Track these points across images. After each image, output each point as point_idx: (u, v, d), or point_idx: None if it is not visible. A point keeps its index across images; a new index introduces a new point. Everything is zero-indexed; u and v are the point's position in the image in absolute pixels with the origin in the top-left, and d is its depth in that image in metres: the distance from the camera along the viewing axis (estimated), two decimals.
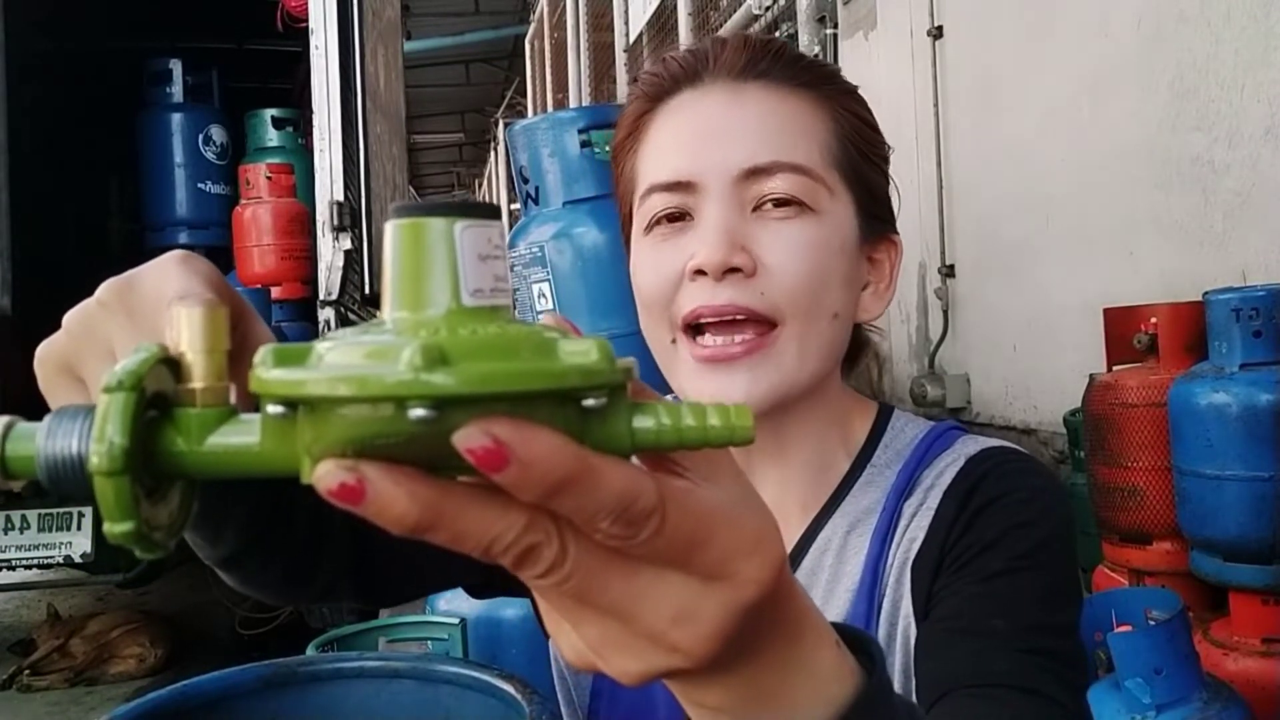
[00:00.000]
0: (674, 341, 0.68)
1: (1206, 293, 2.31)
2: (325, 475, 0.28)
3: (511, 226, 4.01)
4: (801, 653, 0.37)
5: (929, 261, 5.20)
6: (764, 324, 0.66)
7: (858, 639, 0.41)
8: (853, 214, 0.71)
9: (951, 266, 5.00)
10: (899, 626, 0.68)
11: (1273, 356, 2.15)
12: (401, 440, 0.28)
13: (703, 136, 0.68)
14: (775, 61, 0.70)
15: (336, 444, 0.28)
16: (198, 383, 0.32)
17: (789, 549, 0.73)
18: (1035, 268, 4.29)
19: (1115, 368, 2.70)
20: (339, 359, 0.29)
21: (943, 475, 0.71)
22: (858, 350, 0.80)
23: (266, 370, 0.29)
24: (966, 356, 5.03)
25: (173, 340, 0.33)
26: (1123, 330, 2.65)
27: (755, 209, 0.67)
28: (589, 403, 0.30)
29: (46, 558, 3.26)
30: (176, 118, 4.93)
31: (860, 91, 0.78)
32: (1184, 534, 2.36)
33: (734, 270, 0.65)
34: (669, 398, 0.82)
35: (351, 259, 3.71)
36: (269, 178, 4.31)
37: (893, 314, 5.79)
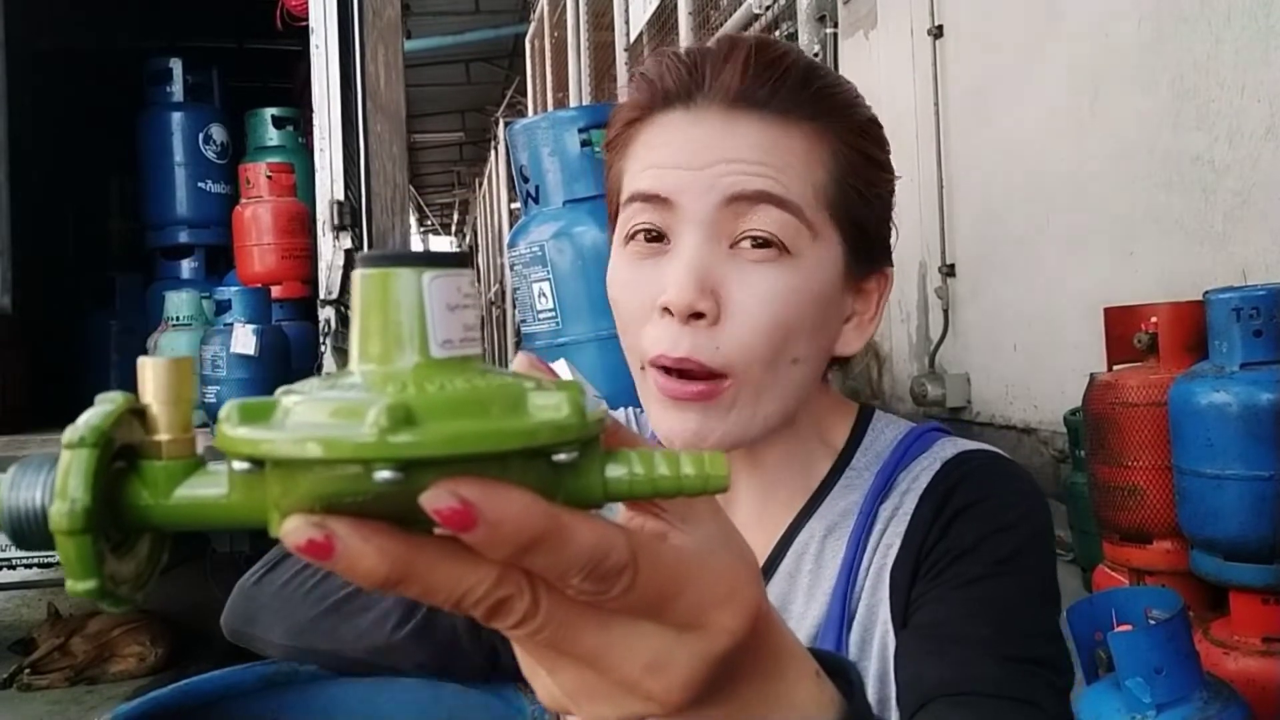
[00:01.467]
0: (642, 369, 0.68)
1: (1207, 292, 2.31)
2: (294, 531, 0.28)
3: (512, 226, 4.00)
4: (781, 687, 0.37)
5: (929, 261, 5.20)
6: (714, 377, 0.65)
7: (836, 664, 0.41)
8: (839, 255, 0.68)
9: (952, 266, 5.00)
10: (875, 633, 0.68)
11: (1273, 356, 2.15)
12: (370, 498, 0.28)
13: (690, 162, 0.66)
14: (776, 90, 0.67)
15: (304, 500, 0.28)
16: (163, 434, 0.31)
17: (766, 554, 0.73)
18: (1035, 267, 4.29)
19: (1115, 367, 2.70)
20: (305, 416, 0.28)
21: (919, 479, 0.70)
22: (839, 358, 0.79)
23: (231, 427, 0.29)
24: (966, 356, 5.02)
25: (140, 391, 0.32)
26: (1123, 330, 2.65)
27: (733, 244, 0.65)
28: (560, 457, 0.29)
29: (46, 558, 3.27)
30: (177, 117, 4.93)
31: (859, 91, 0.77)
32: (1184, 533, 2.36)
33: (698, 315, 0.64)
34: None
35: (352, 258, 3.71)
36: (269, 177, 4.31)
37: (893, 314, 5.79)
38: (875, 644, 0.67)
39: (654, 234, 0.67)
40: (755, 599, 0.34)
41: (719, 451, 0.32)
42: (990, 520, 0.66)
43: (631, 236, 0.68)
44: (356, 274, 0.31)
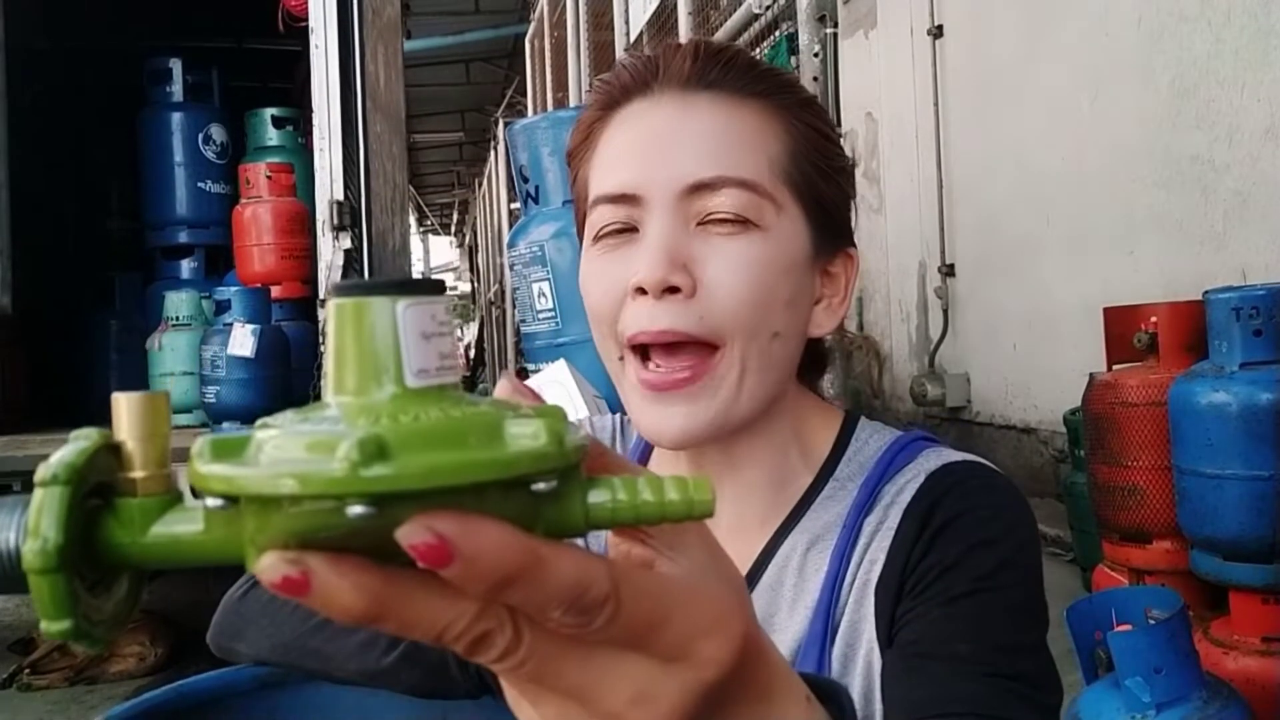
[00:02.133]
0: (621, 359, 0.67)
1: (1206, 292, 2.31)
2: (269, 568, 0.27)
3: (511, 226, 3.99)
4: (771, 713, 0.36)
5: (929, 261, 5.20)
6: (704, 348, 0.65)
7: (828, 689, 0.41)
8: (804, 229, 0.69)
9: (951, 266, 4.99)
10: (859, 650, 0.67)
11: (1273, 356, 2.14)
12: (345, 533, 0.27)
13: (648, 150, 0.67)
14: (726, 71, 0.69)
15: (279, 536, 0.28)
16: (138, 471, 0.31)
17: (748, 565, 0.72)
18: (1035, 267, 4.29)
19: (1115, 367, 2.70)
20: (277, 452, 0.28)
21: (903, 492, 0.69)
22: (821, 360, 0.78)
23: (204, 464, 0.28)
24: (966, 355, 5.02)
25: (115, 428, 0.32)
26: (1123, 329, 2.64)
27: (699, 224, 0.66)
28: (539, 487, 0.29)
29: None
30: (176, 117, 4.93)
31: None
32: (1184, 533, 2.36)
33: (673, 290, 0.64)
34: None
35: (351, 258, 3.71)
36: (269, 177, 4.31)
37: (893, 313, 5.79)
38: (859, 661, 0.67)
39: (621, 228, 0.67)
40: (743, 628, 0.33)
41: (704, 477, 0.32)
42: (972, 535, 0.65)
43: (600, 236, 0.68)
44: (330, 303, 0.31)
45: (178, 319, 4.24)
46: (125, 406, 0.32)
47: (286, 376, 3.91)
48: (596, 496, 0.31)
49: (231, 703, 0.64)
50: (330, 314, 0.31)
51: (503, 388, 0.31)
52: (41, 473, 0.29)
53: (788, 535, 0.72)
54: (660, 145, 0.67)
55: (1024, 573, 0.65)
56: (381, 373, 0.30)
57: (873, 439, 0.75)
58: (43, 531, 0.28)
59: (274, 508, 0.27)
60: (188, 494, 0.31)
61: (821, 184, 0.71)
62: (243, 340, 3.71)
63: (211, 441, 0.29)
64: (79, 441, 0.30)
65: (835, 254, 0.73)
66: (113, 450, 0.31)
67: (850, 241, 0.75)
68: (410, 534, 0.26)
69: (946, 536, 0.65)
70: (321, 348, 3.61)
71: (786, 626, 0.70)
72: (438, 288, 0.31)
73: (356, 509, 0.26)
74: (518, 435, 0.28)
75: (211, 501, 0.29)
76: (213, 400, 3.80)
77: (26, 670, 3.48)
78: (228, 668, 0.64)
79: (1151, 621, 1.75)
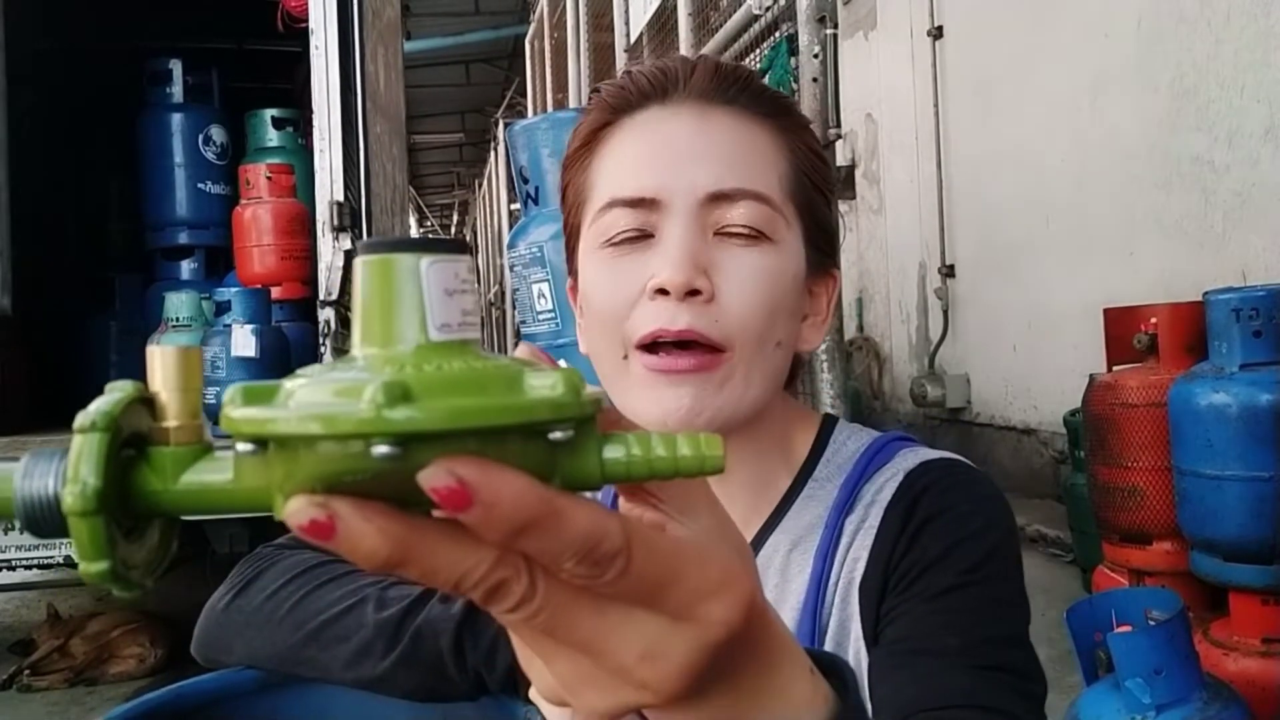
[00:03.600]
0: (625, 358, 0.68)
1: (1206, 293, 2.31)
2: (296, 512, 0.28)
3: (511, 227, 3.99)
4: (776, 681, 0.37)
5: (929, 261, 5.20)
6: (714, 350, 0.66)
7: (831, 663, 0.41)
8: (802, 246, 0.71)
9: (951, 266, 4.99)
10: (848, 649, 0.68)
11: (1273, 356, 2.14)
12: (370, 477, 0.28)
13: (670, 156, 0.68)
14: (743, 90, 0.71)
15: (307, 481, 0.28)
16: (171, 421, 0.32)
17: None
18: (1035, 268, 4.28)
19: (1115, 368, 2.70)
20: (307, 397, 0.29)
21: (883, 490, 0.71)
22: (797, 370, 0.80)
23: (235, 409, 0.29)
24: (966, 356, 5.02)
25: (149, 380, 0.33)
26: (1123, 330, 2.64)
27: (716, 233, 0.67)
28: (556, 435, 0.30)
29: (46, 558, 3.26)
30: (176, 118, 4.92)
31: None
32: (1184, 534, 2.36)
33: (694, 293, 0.65)
34: None
35: (351, 259, 3.71)
36: (269, 178, 4.30)
37: (893, 314, 5.79)
38: (849, 659, 0.67)
39: (636, 233, 0.68)
40: (750, 591, 0.34)
41: (715, 435, 0.32)
42: (954, 531, 0.66)
43: (612, 240, 0.69)
44: (357, 261, 0.32)
45: (178, 320, 4.24)
46: (160, 359, 0.33)
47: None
48: (612, 450, 0.32)
49: (231, 703, 0.64)
50: (357, 270, 0.32)
51: (522, 350, 0.32)
52: (80, 420, 0.30)
53: (769, 537, 0.73)
54: (682, 153, 0.68)
55: (1006, 565, 0.66)
56: (406, 326, 0.31)
57: (850, 440, 0.76)
58: (82, 476, 0.29)
59: (301, 451, 0.28)
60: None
61: (818, 203, 0.73)
62: (245, 341, 3.71)
63: (243, 388, 0.30)
64: (114, 392, 0.31)
65: (821, 273, 0.75)
66: (146, 403, 0.32)
67: (835, 262, 0.78)
68: (432, 477, 0.27)
69: (928, 532, 0.66)
70: (323, 349, 3.61)
71: None
72: (461, 247, 0.32)
73: (381, 449, 0.27)
74: (537, 385, 0.29)
75: (242, 447, 0.30)
76: (213, 401, 3.79)
77: (26, 671, 3.48)
78: (228, 669, 0.64)
79: (1152, 623, 1.75)
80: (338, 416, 0.27)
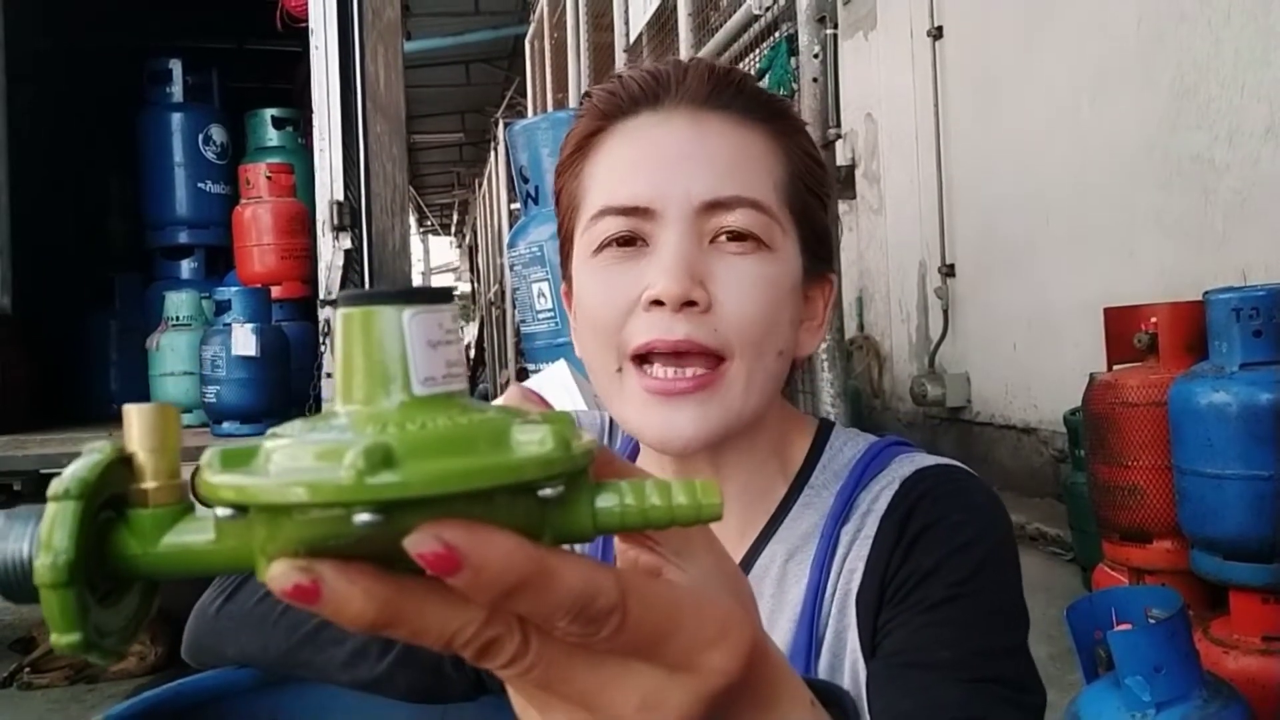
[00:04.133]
0: (619, 370, 0.67)
1: (1207, 292, 2.31)
2: (280, 576, 0.27)
3: (511, 226, 3.98)
4: (776, 718, 0.37)
5: (929, 261, 5.19)
6: (713, 358, 0.66)
7: (831, 693, 0.41)
8: (798, 252, 0.70)
9: (951, 266, 4.99)
10: (845, 660, 0.67)
11: (1273, 356, 2.15)
12: (354, 541, 0.27)
13: (663, 164, 0.67)
14: (737, 95, 0.70)
15: (289, 544, 0.28)
16: (149, 482, 0.31)
17: None
18: (1035, 267, 4.28)
19: (1115, 367, 2.70)
20: (286, 461, 0.28)
21: (879, 499, 0.70)
22: (790, 372, 0.80)
23: (213, 474, 0.29)
24: (966, 356, 5.02)
25: (125, 439, 0.32)
26: (1123, 330, 2.64)
27: (711, 240, 0.66)
28: (546, 493, 0.29)
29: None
30: (176, 117, 4.92)
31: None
32: (1184, 533, 2.36)
33: (690, 304, 0.64)
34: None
35: (351, 258, 3.71)
36: (269, 177, 4.30)
37: (893, 314, 5.79)
38: (846, 671, 0.67)
39: (628, 239, 0.67)
40: (750, 638, 0.33)
41: (711, 481, 0.32)
42: (949, 541, 0.65)
43: (603, 247, 0.68)
44: (337, 313, 0.31)
45: (178, 319, 4.24)
46: (136, 418, 0.32)
47: (286, 377, 3.90)
48: (604, 501, 0.31)
49: (231, 702, 0.64)
50: (337, 323, 0.31)
51: (512, 394, 0.31)
52: (54, 487, 0.29)
53: (765, 546, 0.72)
54: (676, 161, 0.67)
55: (1002, 574, 0.66)
56: (389, 381, 0.30)
57: (846, 447, 0.75)
58: (55, 546, 0.28)
59: (284, 516, 0.28)
60: (199, 505, 0.31)
61: (814, 208, 0.73)
62: (245, 340, 3.71)
63: (221, 452, 0.29)
64: (92, 455, 0.30)
65: (817, 278, 0.74)
66: (125, 462, 0.31)
67: (831, 266, 0.77)
68: (418, 543, 0.27)
69: (923, 543, 0.66)
70: (322, 348, 3.61)
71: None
72: (444, 296, 0.31)
73: (364, 517, 0.26)
74: (524, 441, 0.29)
75: (222, 511, 0.29)
76: (213, 400, 3.79)
77: (26, 669, 3.48)
78: (228, 667, 0.64)
79: (1152, 621, 1.75)
80: (318, 484, 0.27)
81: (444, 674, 0.66)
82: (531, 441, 0.29)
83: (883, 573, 0.66)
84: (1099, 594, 2.10)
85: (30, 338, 4.20)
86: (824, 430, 0.77)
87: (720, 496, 0.31)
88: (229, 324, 3.80)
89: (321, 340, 3.66)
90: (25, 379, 4.12)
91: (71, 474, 0.29)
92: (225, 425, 3.79)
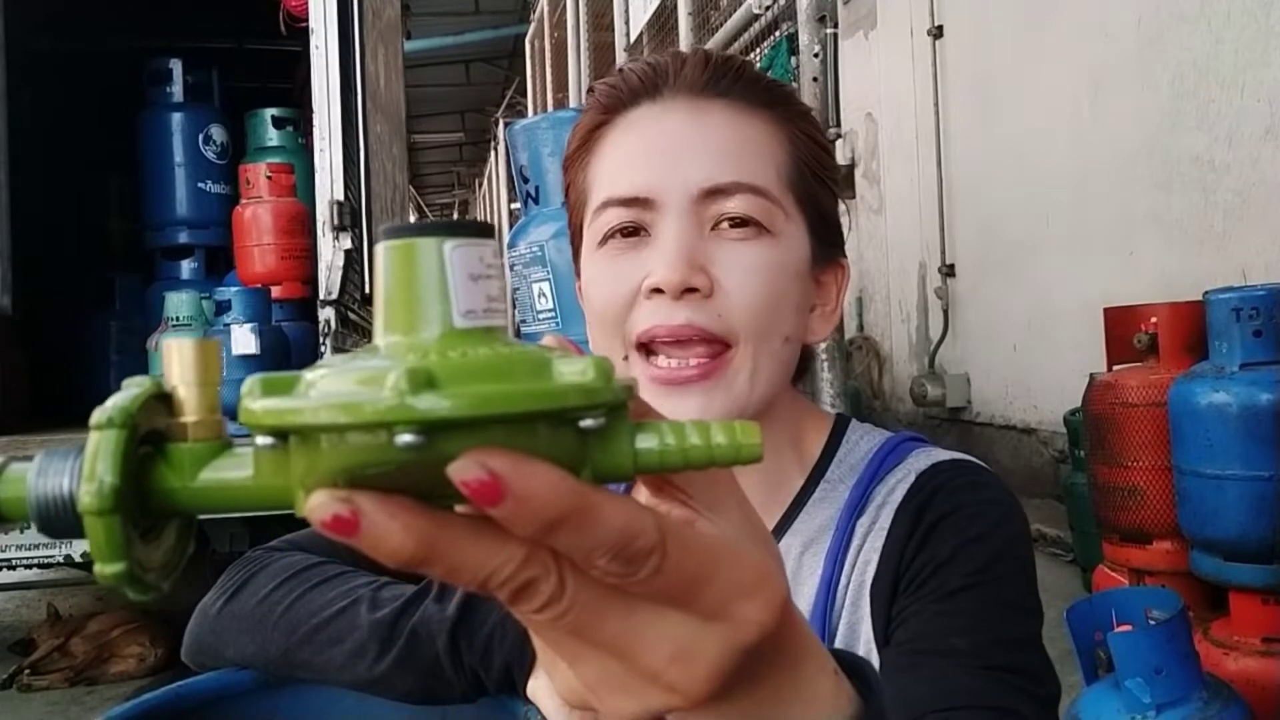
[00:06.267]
0: (626, 359, 0.68)
1: (1207, 292, 2.31)
2: (318, 507, 0.27)
3: (511, 226, 3.99)
4: (800, 682, 0.36)
5: (929, 261, 5.20)
6: (718, 344, 0.66)
7: (854, 664, 0.41)
8: (805, 237, 0.71)
9: (951, 266, 4.99)
10: (858, 651, 0.67)
11: (1273, 356, 2.14)
12: (394, 469, 0.27)
13: (663, 153, 0.68)
14: (736, 81, 0.70)
15: (329, 474, 0.27)
16: (189, 416, 0.31)
17: None
18: (1035, 267, 4.29)
19: (1115, 367, 2.70)
20: (328, 386, 0.28)
21: (894, 492, 0.70)
22: (805, 365, 0.79)
23: (254, 400, 0.28)
24: (966, 356, 5.02)
25: (166, 375, 0.32)
26: (1123, 330, 2.64)
27: (713, 228, 0.67)
28: (587, 423, 0.29)
29: (46, 558, 3.26)
30: (176, 117, 4.92)
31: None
32: (1184, 534, 2.36)
33: (691, 290, 0.65)
34: None
35: (351, 258, 3.71)
36: (269, 177, 4.30)
37: (893, 314, 5.79)
38: None
39: (630, 229, 0.68)
40: (783, 590, 0.33)
41: (751, 423, 0.31)
42: (964, 531, 0.66)
43: (608, 238, 0.68)
44: (379, 246, 0.31)
45: (178, 319, 4.23)
46: (178, 353, 0.32)
47: None
48: (644, 440, 0.30)
49: (231, 703, 0.64)
50: (379, 256, 0.31)
51: (550, 339, 0.31)
52: (97, 416, 0.29)
53: (781, 538, 0.73)
54: (674, 150, 0.68)
55: (1016, 566, 0.66)
56: (429, 313, 0.30)
57: (863, 441, 0.76)
58: (98, 474, 0.28)
59: (323, 443, 0.27)
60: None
61: (820, 193, 0.72)
62: (245, 340, 3.71)
63: (262, 379, 0.29)
64: (131, 389, 0.30)
65: (828, 263, 0.74)
66: (163, 399, 0.31)
67: (842, 251, 0.77)
68: (463, 469, 0.26)
69: (939, 533, 0.66)
70: (323, 348, 3.61)
71: None
72: (486, 230, 0.31)
73: (405, 438, 0.26)
74: (567, 371, 0.28)
75: (261, 440, 0.29)
76: None
77: (26, 671, 3.48)
78: (228, 669, 0.64)
79: (1152, 622, 1.75)
80: (360, 405, 0.26)
81: (443, 675, 0.66)
82: (574, 371, 0.28)
83: (897, 563, 0.67)
84: (1099, 595, 2.10)
85: (30, 338, 4.20)
86: (841, 424, 0.77)
87: (760, 437, 0.31)
88: (229, 324, 3.80)
89: (321, 340, 3.66)
90: (25, 379, 4.12)
91: (113, 404, 0.29)
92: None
